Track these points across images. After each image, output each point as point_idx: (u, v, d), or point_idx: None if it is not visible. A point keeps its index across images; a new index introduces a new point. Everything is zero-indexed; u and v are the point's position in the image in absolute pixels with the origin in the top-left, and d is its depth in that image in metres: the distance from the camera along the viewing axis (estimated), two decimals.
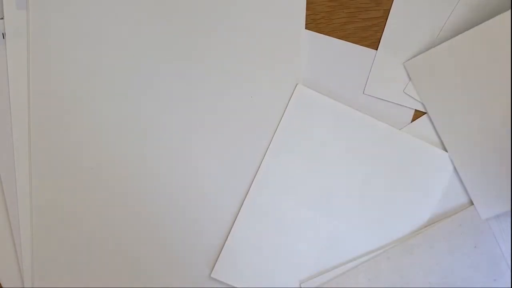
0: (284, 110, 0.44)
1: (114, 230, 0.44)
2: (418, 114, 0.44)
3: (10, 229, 0.44)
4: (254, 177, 0.44)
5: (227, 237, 0.44)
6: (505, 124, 0.42)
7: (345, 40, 0.44)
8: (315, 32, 0.44)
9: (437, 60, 0.42)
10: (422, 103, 0.43)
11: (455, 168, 0.43)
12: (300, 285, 0.44)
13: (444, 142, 0.43)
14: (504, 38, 0.41)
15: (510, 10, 0.41)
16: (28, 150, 0.44)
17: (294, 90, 0.44)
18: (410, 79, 0.43)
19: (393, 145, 0.43)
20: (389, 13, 0.44)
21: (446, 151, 0.43)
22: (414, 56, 0.43)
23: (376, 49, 0.44)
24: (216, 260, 0.44)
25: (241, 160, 0.44)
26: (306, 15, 0.44)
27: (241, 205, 0.44)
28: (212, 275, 0.44)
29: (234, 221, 0.44)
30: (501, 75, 0.41)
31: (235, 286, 0.44)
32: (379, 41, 0.44)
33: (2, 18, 0.43)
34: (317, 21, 0.44)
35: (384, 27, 0.44)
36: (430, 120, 0.43)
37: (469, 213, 0.43)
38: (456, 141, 0.43)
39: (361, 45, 0.44)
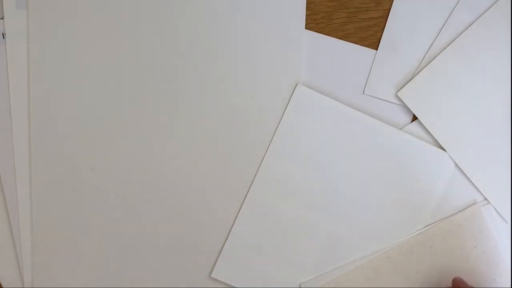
0: (284, 110, 0.44)
1: (114, 230, 0.44)
2: None
3: (10, 229, 0.44)
4: (254, 177, 0.44)
5: (227, 237, 0.44)
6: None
7: (345, 40, 0.44)
8: (315, 32, 0.44)
9: (425, 83, 0.43)
10: (420, 119, 0.43)
11: (456, 167, 0.43)
12: (300, 285, 0.44)
13: (442, 144, 0.43)
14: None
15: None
16: (28, 150, 0.44)
17: (294, 90, 0.44)
18: (406, 105, 0.43)
19: (393, 145, 0.43)
20: (389, 13, 0.44)
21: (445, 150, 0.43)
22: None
23: (376, 49, 0.44)
24: (216, 260, 0.44)
25: (241, 160, 0.44)
26: (306, 15, 0.44)
27: (241, 205, 0.44)
28: (212, 275, 0.44)
29: (234, 221, 0.44)
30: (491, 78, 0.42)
31: (235, 286, 0.44)
32: (379, 41, 0.44)
33: (2, 18, 0.43)
34: (317, 21, 0.44)
35: (384, 27, 0.44)
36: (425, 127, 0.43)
37: (469, 213, 0.43)
38: (455, 141, 0.43)
39: (361, 45, 0.44)
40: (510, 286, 0.42)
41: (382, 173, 0.43)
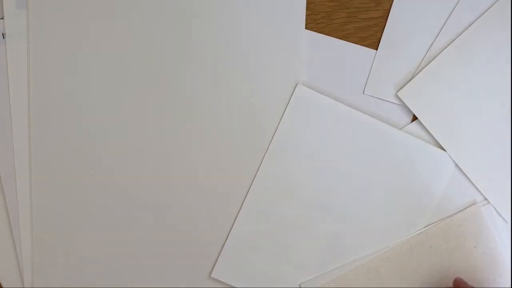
0: (284, 110, 0.44)
1: (114, 230, 0.44)
2: None
3: (10, 229, 0.44)
4: (254, 177, 0.44)
5: (227, 237, 0.44)
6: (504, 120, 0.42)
7: (345, 40, 0.44)
8: (315, 32, 0.44)
9: (425, 83, 0.43)
10: (420, 119, 0.43)
11: (456, 167, 0.43)
12: (300, 285, 0.44)
13: (442, 144, 0.43)
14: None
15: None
16: (28, 150, 0.44)
17: (294, 90, 0.44)
18: (406, 105, 0.43)
19: (393, 145, 0.43)
20: (389, 13, 0.44)
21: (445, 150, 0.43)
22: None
23: (376, 49, 0.44)
24: (216, 260, 0.44)
25: (241, 160, 0.44)
26: (306, 15, 0.44)
27: (241, 205, 0.44)
28: (212, 275, 0.44)
29: (234, 221, 0.44)
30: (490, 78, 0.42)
31: (235, 286, 0.44)
32: (379, 41, 0.44)
33: (2, 18, 0.43)
34: (317, 21, 0.44)
35: (384, 27, 0.44)
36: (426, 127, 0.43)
37: (469, 213, 0.43)
38: (455, 141, 0.43)
39: (361, 45, 0.44)
40: (510, 286, 0.42)
41: (382, 173, 0.43)
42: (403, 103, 0.43)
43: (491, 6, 0.42)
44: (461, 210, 0.43)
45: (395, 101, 0.44)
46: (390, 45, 0.44)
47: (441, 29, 0.43)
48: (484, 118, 0.43)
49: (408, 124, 0.44)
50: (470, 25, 0.43)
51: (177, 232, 0.44)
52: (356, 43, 0.44)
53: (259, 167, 0.44)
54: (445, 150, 0.43)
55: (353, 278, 0.43)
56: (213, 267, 0.44)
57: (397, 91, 0.43)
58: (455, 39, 0.43)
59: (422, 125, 0.43)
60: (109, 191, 0.44)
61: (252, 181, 0.44)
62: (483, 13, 0.42)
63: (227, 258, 0.44)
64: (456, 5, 0.43)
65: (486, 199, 0.43)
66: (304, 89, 0.44)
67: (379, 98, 0.44)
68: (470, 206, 0.43)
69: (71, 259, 0.45)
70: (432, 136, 0.43)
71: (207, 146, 0.44)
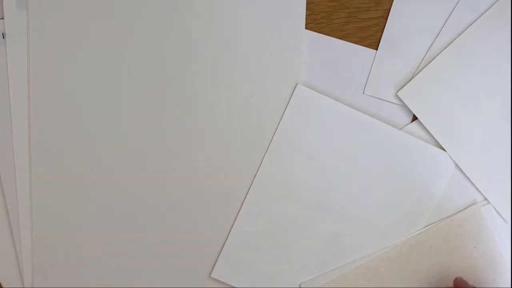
0: (284, 110, 0.44)
1: (114, 230, 0.44)
2: None
3: (10, 229, 0.44)
4: (254, 177, 0.44)
5: (227, 237, 0.44)
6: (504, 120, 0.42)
7: (345, 40, 0.44)
8: (315, 32, 0.44)
9: (425, 83, 0.43)
10: (420, 119, 0.43)
11: (456, 167, 0.43)
12: (300, 285, 0.44)
13: (442, 144, 0.43)
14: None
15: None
16: (28, 150, 0.44)
17: (294, 90, 0.44)
18: (406, 105, 0.43)
19: (393, 145, 0.43)
20: (389, 13, 0.44)
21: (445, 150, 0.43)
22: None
23: (376, 49, 0.44)
24: (216, 260, 0.44)
25: (241, 160, 0.44)
26: (306, 15, 0.44)
27: (241, 205, 0.44)
28: (212, 275, 0.44)
29: (234, 221, 0.44)
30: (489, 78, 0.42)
31: (235, 286, 0.44)
32: (379, 41, 0.44)
33: (2, 18, 0.43)
34: (317, 21, 0.44)
35: (384, 27, 0.44)
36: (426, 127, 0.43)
37: (469, 213, 0.43)
38: (455, 141, 0.43)
39: (361, 45, 0.44)
40: (510, 286, 0.42)
41: (382, 173, 0.43)
42: (403, 103, 0.43)
43: (491, 6, 0.42)
44: (461, 210, 0.43)
45: (395, 101, 0.44)
46: (390, 45, 0.44)
47: (441, 29, 0.43)
48: (484, 118, 0.43)
49: (408, 124, 0.44)
50: (470, 25, 0.43)
51: (177, 232, 0.44)
52: (356, 43, 0.44)
53: (259, 167, 0.44)
54: (445, 150, 0.43)
55: (353, 278, 0.43)
56: (213, 267, 0.44)
57: (397, 91, 0.43)
58: (455, 39, 0.43)
59: (422, 125, 0.43)
60: (109, 191, 0.44)
61: (252, 181, 0.44)
62: (483, 13, 0.43)
63: (227, 258, 0.44)
64: (456, 5, 0.43)
65: (486, 199, 0.43)
66: (304, 89, 0.44)
67: (379, 98, 0.44)
68: (470, 206, 0.43)
69: (71, 259, 0.45)
70: (432, 136, 0.43)
71: (207, 146, 0.44)
